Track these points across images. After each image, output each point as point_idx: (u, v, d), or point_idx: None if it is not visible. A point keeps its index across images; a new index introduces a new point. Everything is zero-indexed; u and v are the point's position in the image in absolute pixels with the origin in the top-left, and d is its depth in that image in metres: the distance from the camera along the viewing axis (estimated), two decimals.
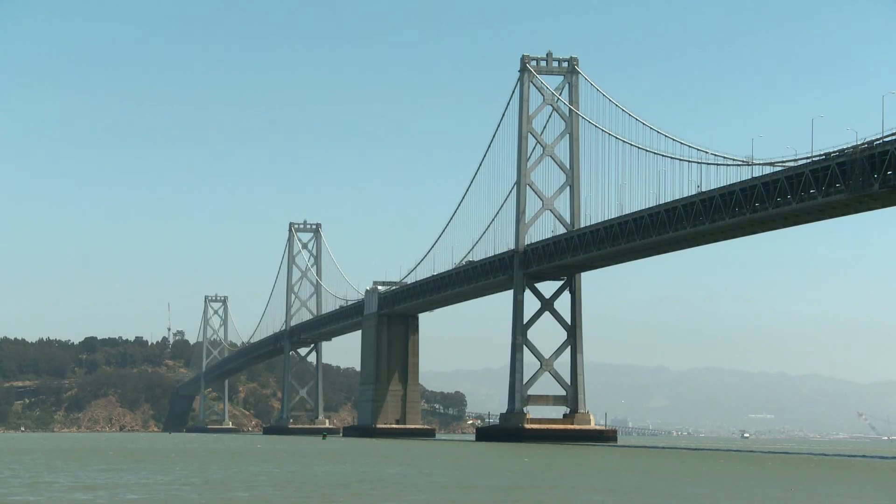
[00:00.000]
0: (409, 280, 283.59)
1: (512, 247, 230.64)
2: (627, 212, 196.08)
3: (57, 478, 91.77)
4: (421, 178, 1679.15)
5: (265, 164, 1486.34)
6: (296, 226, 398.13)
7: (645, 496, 76.26)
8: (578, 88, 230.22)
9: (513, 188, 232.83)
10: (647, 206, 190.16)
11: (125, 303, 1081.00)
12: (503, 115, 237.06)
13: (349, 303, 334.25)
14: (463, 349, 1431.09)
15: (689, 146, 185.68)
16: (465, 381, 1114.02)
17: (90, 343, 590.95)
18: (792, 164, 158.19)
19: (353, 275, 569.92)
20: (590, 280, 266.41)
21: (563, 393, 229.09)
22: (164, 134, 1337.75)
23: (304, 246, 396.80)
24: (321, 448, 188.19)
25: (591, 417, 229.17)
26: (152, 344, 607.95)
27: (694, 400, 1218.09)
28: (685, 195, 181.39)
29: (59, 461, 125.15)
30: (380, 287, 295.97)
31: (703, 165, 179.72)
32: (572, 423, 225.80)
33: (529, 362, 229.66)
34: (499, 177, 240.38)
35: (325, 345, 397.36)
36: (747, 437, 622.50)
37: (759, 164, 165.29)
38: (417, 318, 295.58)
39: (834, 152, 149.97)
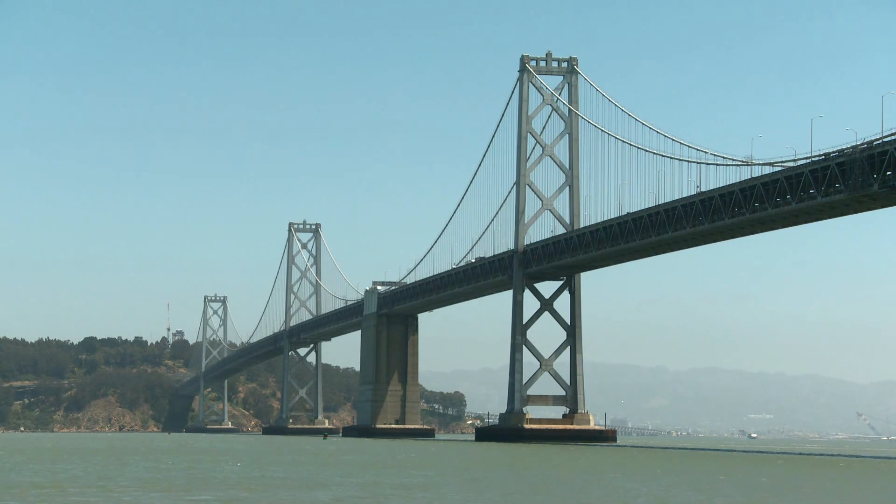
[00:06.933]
0: (409, 280, 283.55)
1: (511, 247, 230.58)
2: (627, 212, 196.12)
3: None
4: (421, 179, 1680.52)
5: (265, 164, 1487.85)
6: (295, 226, 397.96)
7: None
8: (578, 88, 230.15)
9: (512, 188, 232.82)
10: (646, 207, 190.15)
11: (125, 303, 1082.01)
12: (503, 115, 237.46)
13: (349, 303, 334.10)
14: (462, 349, 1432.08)
15: (689, 146, 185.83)
16: (464, 381, 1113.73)
17: (89, 343, 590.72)
18: (791, 164, 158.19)
19: (353, 275, 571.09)
20: (589, 280, 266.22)
21: (563, 393, 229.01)
22: (164, 134, 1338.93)
23: (304, 246, 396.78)
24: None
25: (591, 417, 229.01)
26: (152, 344, 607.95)
27: (693, 400, 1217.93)
28: (684, 195, 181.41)
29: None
30: (379, 287, 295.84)
31: (702, 165, 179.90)
32: (572, 424, 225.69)
33: (529, 362, 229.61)
34: (498, 177, 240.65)
35: (324, 345, 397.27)
36: (754, 438, 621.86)
37: (759, 165, 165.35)
38: (417, 318, 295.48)
39: (833, 152, 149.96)
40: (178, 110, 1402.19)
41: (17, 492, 77.27)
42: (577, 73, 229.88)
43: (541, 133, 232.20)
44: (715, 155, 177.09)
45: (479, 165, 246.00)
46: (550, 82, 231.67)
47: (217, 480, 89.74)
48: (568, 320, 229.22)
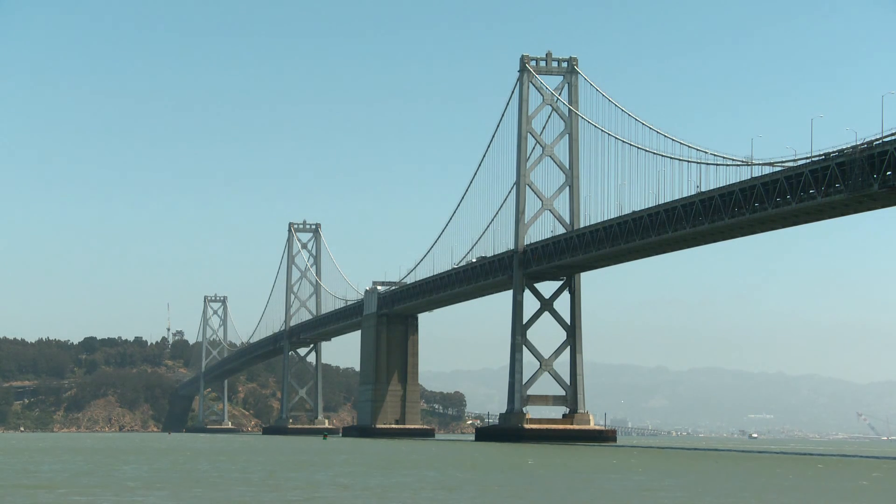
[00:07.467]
0: (409, 280, 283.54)
1: (511, 247, 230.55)
2: (627, 212, 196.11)
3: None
4: (421, 179, 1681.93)
5: (265, 164, 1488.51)
6: (295, 226, 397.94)
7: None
8: (578, 88, 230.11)
9: (512, 188, 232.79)
10: (646, 207, 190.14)
11: (125, 303, 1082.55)
12: (503, 115, 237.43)
13: (349, 303, 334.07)
14: (462, 349, 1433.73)
15: (689, 146, 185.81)
16: (464, 381, 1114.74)
17: (89, 343, 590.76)
18: (791, 164, 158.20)
19: (353, 275, 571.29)
20: (589, 280, 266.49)
21: (563, 393, 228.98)
22: (164, 134, 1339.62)
23: (304, 246, 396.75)
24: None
25: (591, 417, 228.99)
26: (152, 344, 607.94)
27: (693, 400, 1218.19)
28: (684, 195, 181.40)
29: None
30: (379, 287, 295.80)
31: (702, 165, 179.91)
32: (572, 424, 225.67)
33: (529, 362, 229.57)
34: (498, 177, 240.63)
35: (324, 345, 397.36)
36: (754, 438, 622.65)
37: (759, 165, 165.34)
38: (417, 318, 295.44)
39: (833, 152, 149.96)
40: (178, 110, 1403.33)
41: (20, 491, 77.29)
42: (577, 73, 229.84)
43: (541, 133, 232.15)
44: (715, 155, 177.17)
45: (479, 165, 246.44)
46: (550, 82, 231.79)
47: (217, 480, 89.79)
48: (568, 320, 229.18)
